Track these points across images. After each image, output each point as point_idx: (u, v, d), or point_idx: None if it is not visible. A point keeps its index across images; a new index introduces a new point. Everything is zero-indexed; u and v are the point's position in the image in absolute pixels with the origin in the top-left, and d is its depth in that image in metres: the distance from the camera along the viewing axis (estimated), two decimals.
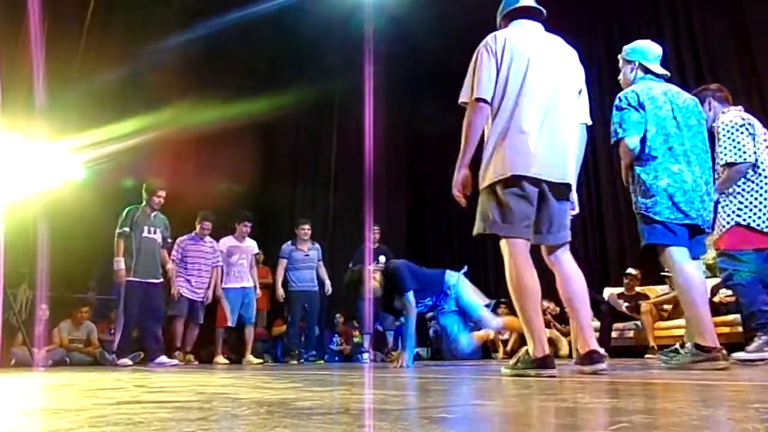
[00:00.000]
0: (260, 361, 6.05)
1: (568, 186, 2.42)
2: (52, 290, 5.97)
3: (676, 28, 7.06)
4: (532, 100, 2.33)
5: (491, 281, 9.35)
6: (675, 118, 2.78)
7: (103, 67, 6.67)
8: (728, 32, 6.66)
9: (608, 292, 6.38)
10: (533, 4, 2.59)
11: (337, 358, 7.32)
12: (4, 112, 5.36)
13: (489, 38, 2.45)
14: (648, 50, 3.02)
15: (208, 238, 6.07)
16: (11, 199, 5.34)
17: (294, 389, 1.79)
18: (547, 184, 2.33)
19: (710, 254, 3.81)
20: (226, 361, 5.85)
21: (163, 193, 5.41)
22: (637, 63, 2.99)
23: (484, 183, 2.39)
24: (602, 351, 2.42)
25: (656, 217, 2.71)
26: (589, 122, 2.58)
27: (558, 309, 7.31)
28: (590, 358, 2.34)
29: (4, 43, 5.72)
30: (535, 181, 2.30)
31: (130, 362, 5.04)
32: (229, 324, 5.95)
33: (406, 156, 10.47)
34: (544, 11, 2.59)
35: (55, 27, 6.29)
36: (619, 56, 3.09)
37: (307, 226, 6.54)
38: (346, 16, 8.09)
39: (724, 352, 2.71)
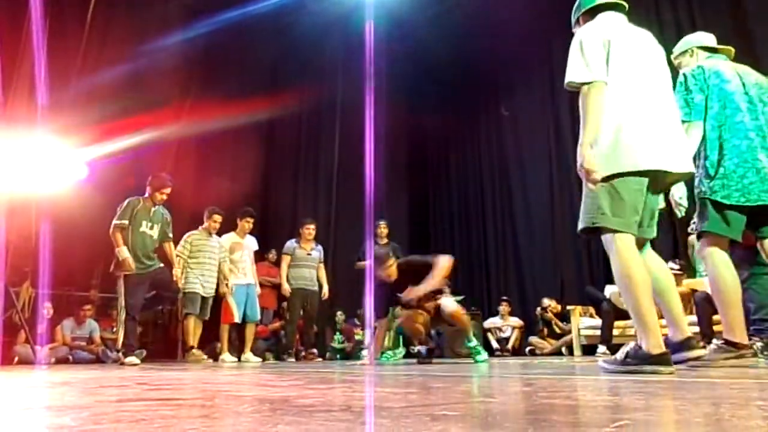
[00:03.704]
0: (259, 359, 6.06)
1: (684, 175, 2.34)
2: (54, 288, 5.98)
3: (677, 23, 7.05)
4: (640, 86, 2.29)
5: (493, 279, 9.38)
6: (747, 93, 2.71)
7: (104, 65, 6.69)
8: (729, 27, 6.65)
9: (610, 290, 6.38)
10: None
11: (338, 356, 7.33)
12: (6, 110, 5.36)
13: (590, 26, 2.42)
14: (701, 35, 3.01)
15: (214, 234, 6.07)
16: (14, 197, 5.34)
17: (296, 387, 1.79)
18: (661, 174, 2.25)
19: None
20: (234, 359, 5.85)
21: (168, 191, 5.27)
22: (694, 48, 2.95)
23: (601, 174, 2.23)
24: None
25: (725, 201, 2.62)
26: None
27: (559, 307, 7.32)
28: (688, 344, 2.41)
29: (6, 42, 5.73)
30: (652, 173, 2.22)
31: (137, 360, 4.88)
32: (236, 320, 5.95)
33: (407, 154, 10.48)
34: (626, 5, 2.56)
35: (56, 26, 6.30)
36: (672, 57, 3.04)
37: (312, 226, 6.55)
38: (348, 15, 8.09)
39: (754, 347, 2.71)
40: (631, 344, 2.27)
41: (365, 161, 7.91)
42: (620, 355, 2.29)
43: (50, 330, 6.09)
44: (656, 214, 2.45)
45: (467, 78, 9.52)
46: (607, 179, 2.21)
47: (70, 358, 6.03)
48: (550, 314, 7.32)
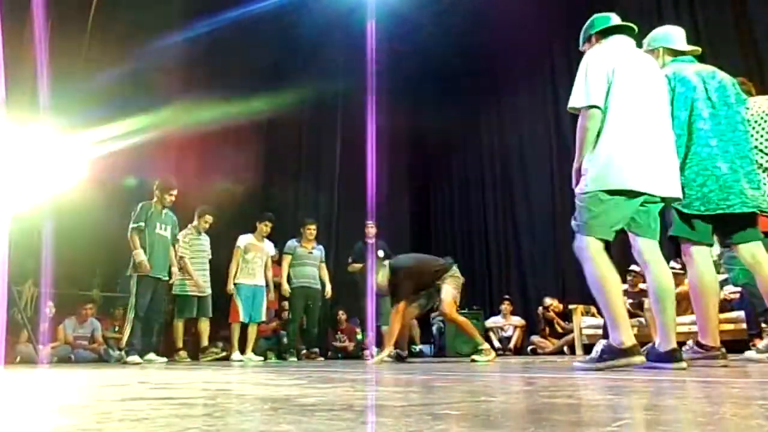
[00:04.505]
0: (261, 358, 6.09)
1: (673, 199, 2.52)
2: (56, 287, 6.00)
3: (679, 18, 7.03)
4: (638, 113, 2.44)
5: (494, 278, 9.37)
6: (710, 98, 2.71)
7: (106, 65, 6.69)
8: (732, 23, 6.64)
9: None
10: (623, 22, 2.72)
11: (339, 355, 7.33)
12: (8, 110, 5.38)
13: (598, 50, 2.59)
14: (669, 34, 2.98)
15: (204, 233, 6.17)
16: (16, 196, 5.36)
17: (297, 386, 1.80)
18: (650, 195, 2.42)
19: (715, 250, 3.75)
20: (241, 358, 5.88)
21: (175, 192, 5.47)
22: (660, 49, 2.94)
23: (590, 186, 2.44)
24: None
25: (684, 210, 2.64)
26: None
27: (561, 306, 7.31)
28: (673, 356, 2.40)
29: (9, 42, 5.73)
30: (640, 194, 2.40)
31: (139, 359, 4.99)
32: (242, 319, 6.00)
33: (408, 153, 10.47)
34: (636, 29, 2.70)
35: (58, 25, 6.31)
36: (641, 51, 3.06)
37: (313, 227, 6.59)
38: (349, 14, 8.09)
39: (724, 350, 2.71)
40: (604, 341, 2.44)
41: (366, 160, 7.92)
42: (595, 353, 2.45)
43: (52, 329, 6.10)
44: (658, 219, 2.55)
45: (468, 76, 9.51)
46: (597, 192, 2.40)
47: (72, 357, 6.03)
48: (551, 313, 7.32)
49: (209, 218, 6.12)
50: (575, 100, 2.50)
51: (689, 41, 3.03)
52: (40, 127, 5.81)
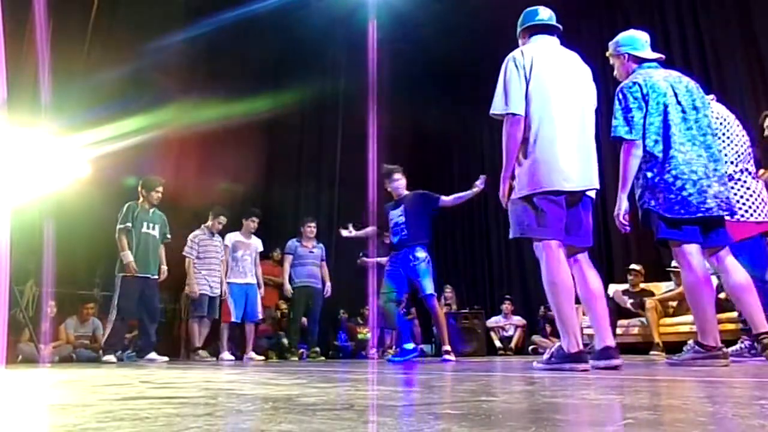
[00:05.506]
0: (262, 358, 6.10)
1: (593, 191, 2.57)
2: (58, 287, 6.00)
3: (680, 18, 7.02)
4: (558, 113, 2.48)
5: (496, 277, 9.37)
6: (679, 103, 2.71)
7: (107, 64, 6.69)
8: (733, 21, 6.63)
9: (613, 289, 6.36)
10: (551, 21, 2.75)
11: (341, 355, 7.33)
12: (9, 109, 5.38)
13: (516, 53, 2.61)
14: (634, 39, 2.96)
15: (217, 234, 6.15)
16: (17, 196, 5.36)
17: (298, 385, 1.80)
18: (577, 192, 2.49)
19: None
20: (232, 357, 5.89)
21: (161, 189, 5.43)
22: (626, 55, 2.94)
23: (518, 193, 2.51)
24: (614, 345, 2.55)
25: (666, 215, 2.64)
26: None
27: None
28: (605, 353, 2.47)
29: (10, 41, 5.74)
30: (566, 192, 2.45)
31: (114, 359, 4.98)
32: (233, 319, 5.99)
33: (410, 153, 10.44)
34: (561, 27, 2.74)
35: (60, 24, 6.31)
36: (607, 54, 3.05)
37: (312, 225, 6.59)
38: (350, 13, 8.08)
39: (725, 350, 2.71)
40: (557, 344, 2.52)
41: (367, 160, 7.91)
42: (547, 354, 2.55)
43: (54, 328, 6.11)
44: (587, 225, 2.60)
45: (470, 76, 9.50)
46: (527, 197, 2.46)
47: (74, 356, 6.04)
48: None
49: (223, 219, 6.10)
50: (495, 106, 2.56)
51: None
52: (41, 127, 5.81)
